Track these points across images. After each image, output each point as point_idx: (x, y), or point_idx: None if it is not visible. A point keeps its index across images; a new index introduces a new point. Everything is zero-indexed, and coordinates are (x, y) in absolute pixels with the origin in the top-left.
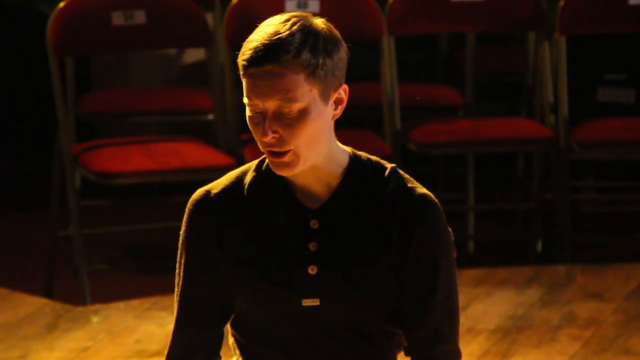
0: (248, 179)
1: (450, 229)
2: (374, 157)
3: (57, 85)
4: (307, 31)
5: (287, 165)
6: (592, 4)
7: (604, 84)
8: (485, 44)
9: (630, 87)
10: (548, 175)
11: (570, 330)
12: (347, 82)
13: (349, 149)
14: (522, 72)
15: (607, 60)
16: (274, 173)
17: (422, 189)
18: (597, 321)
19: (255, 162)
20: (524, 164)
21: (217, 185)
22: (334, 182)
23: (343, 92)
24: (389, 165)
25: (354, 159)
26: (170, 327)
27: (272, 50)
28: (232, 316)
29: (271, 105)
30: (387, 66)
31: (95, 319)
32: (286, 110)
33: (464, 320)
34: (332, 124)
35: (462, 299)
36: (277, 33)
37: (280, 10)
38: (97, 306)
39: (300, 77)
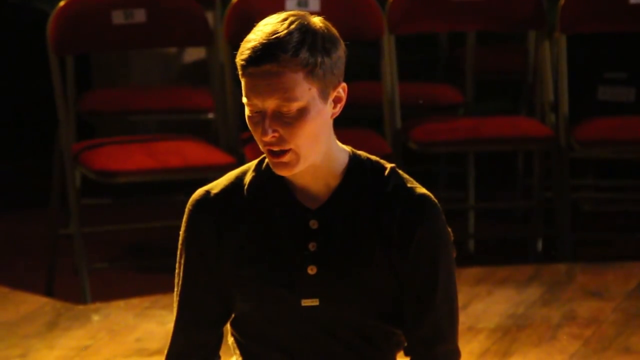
0: (248, 179)
1: (449, 229)
2: (373, 157)
3: (58, 83)
4: (305, 30)
5: (287, 164)
6: (592, 3)
7: (604, 82)
8: (485, 43)
9: (630, 85)
10: (548, 174)
11: (570, 329)
12: (347, 81)
13: (348, 148)
14: (522, 71)
15: (607, 59)
16: (273, 173)
17: (421, 189)
18: (597, 320)
19: (255, 162)
20: (524, 162)
21: (216, 185)
22: (334, 181)
23: (342, 90)
24: (388, 165)
25: (353, 159)
26: (171, 325)
27: (270, 49)
28: (232, 316)
29: (271, 104)
30: (388, 65)
31: (95, 318)
32: (285, 109)
33: (465, 319)
34: (331, 122)
35: (462, 298)
36: (275, 32)
37: (280, 8)
38: (98, 305)
39: (299, 76)
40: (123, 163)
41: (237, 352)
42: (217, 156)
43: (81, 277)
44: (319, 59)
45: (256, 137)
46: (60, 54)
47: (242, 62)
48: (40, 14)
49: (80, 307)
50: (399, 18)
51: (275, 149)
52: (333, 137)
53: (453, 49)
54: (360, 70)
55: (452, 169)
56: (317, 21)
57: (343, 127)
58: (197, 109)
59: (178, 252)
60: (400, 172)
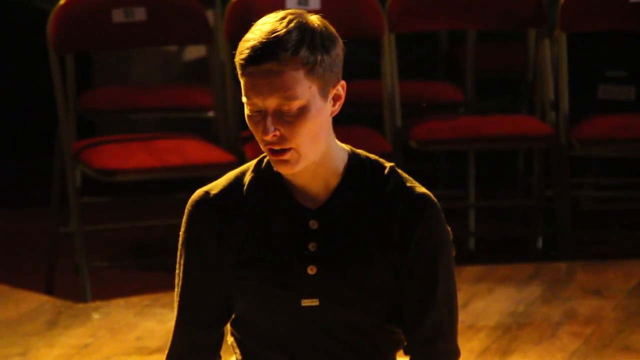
0: (247, 179)
1: (449, 228)
2: (372, 156)
3: (58, 82)
4: (303, 28)
5: (289, 162)
6: (592, 1)
7: (605, 81)
8: (485, 41)
9: (630, 84)
10: (549, 173)
11: (570, 327)
12: (347, 80)
13: (347, 147)
14: (522, 70)
15: (607, 58)
16: (273, 173)
17: (421, 189)
18: (597, 318)
19: (254, 161)
20: (524, 161)
21: (216, 185)
22: (333, 181)
23: (341, 88)
24: (387, 165)
25: (352, 158)
26: (171, 324)
27: (270, 48)
28: (232, 316)
29: (271, 103)
30: (388, 63)
31: (95, 316)
32: (286, 108)
33: (465, 317)
34: (330, 120)
35: (462, 296)
36: (274, 31)
37: (280, 7)
38: (98, 303)
39: (300, 75)
40: (123, 161)
41: (237, 352)
42: (218, 154)
43: (81, 276)
44: (319, 57)
45: (256, 136)
46: (60, 53)
47: (242, 62)
48: (40, 13)
49: (81, 305)
50: (399, 16)
51: (277, 147)
52: (332, 135)
53: (453, 47)
54: (361, 68)
55: (452, 167)
56: (314, 19)
57: (343, 125)
58: (197, 107)
59: (178, 253)
60: (400, 171)
